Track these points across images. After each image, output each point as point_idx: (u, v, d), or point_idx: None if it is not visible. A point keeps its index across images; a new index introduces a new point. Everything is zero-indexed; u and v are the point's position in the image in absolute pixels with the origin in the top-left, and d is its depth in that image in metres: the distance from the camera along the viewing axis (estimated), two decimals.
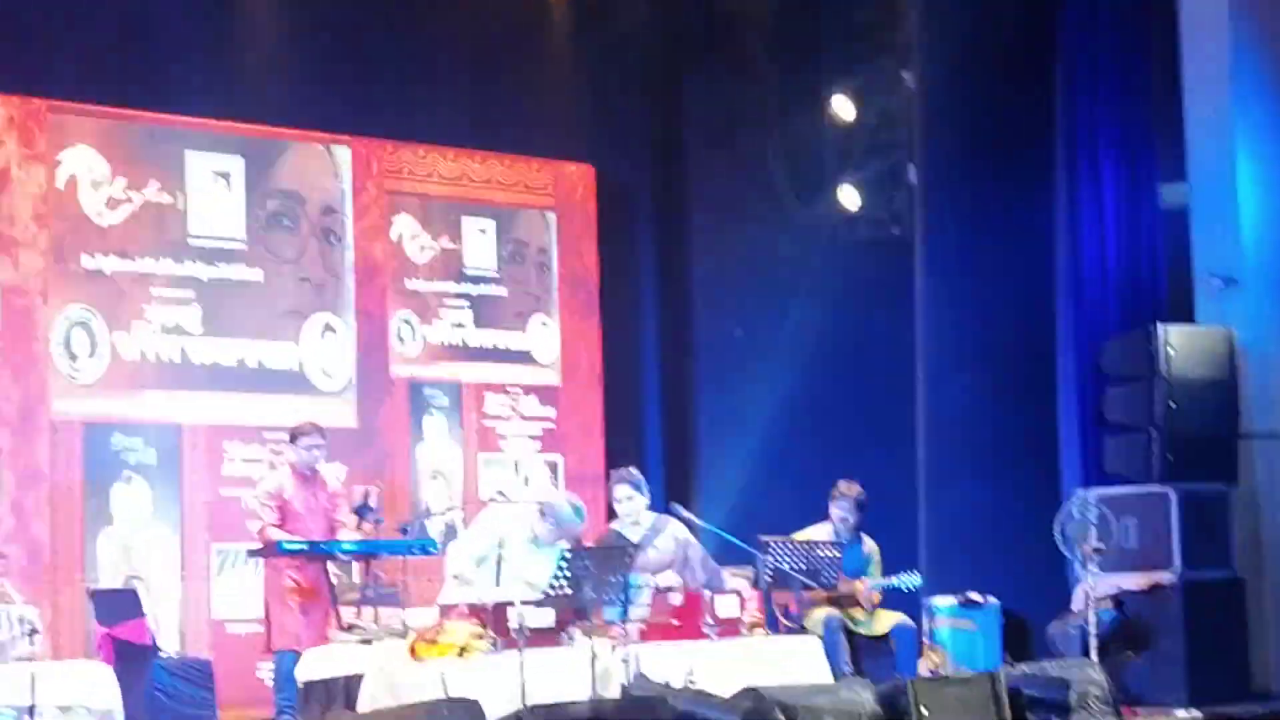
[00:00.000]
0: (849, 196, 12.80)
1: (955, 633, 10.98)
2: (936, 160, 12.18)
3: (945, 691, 8.33)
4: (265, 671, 10.78)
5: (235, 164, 11.66)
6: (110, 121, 11.21)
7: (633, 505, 9.55)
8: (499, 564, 8.73)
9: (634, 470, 9.79)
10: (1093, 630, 9.66)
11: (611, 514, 11.41)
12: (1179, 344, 10.73)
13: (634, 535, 9.47)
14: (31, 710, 8.02)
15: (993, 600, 11.01)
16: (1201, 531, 10.55)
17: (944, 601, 11.04)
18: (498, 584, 8.69)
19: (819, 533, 10.15)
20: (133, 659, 9.47)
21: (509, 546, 8.91)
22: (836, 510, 10.20)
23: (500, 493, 11.17)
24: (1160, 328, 10.76)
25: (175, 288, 11.35)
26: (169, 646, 10.48)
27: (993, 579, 11.12)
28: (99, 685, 8.45)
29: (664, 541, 9.59)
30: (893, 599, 10.32)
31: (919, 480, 11.90)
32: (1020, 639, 11.05)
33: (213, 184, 11.57)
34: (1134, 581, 10.56)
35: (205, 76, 11.34)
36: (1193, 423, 10.63)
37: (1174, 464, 10.56)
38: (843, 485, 10.23)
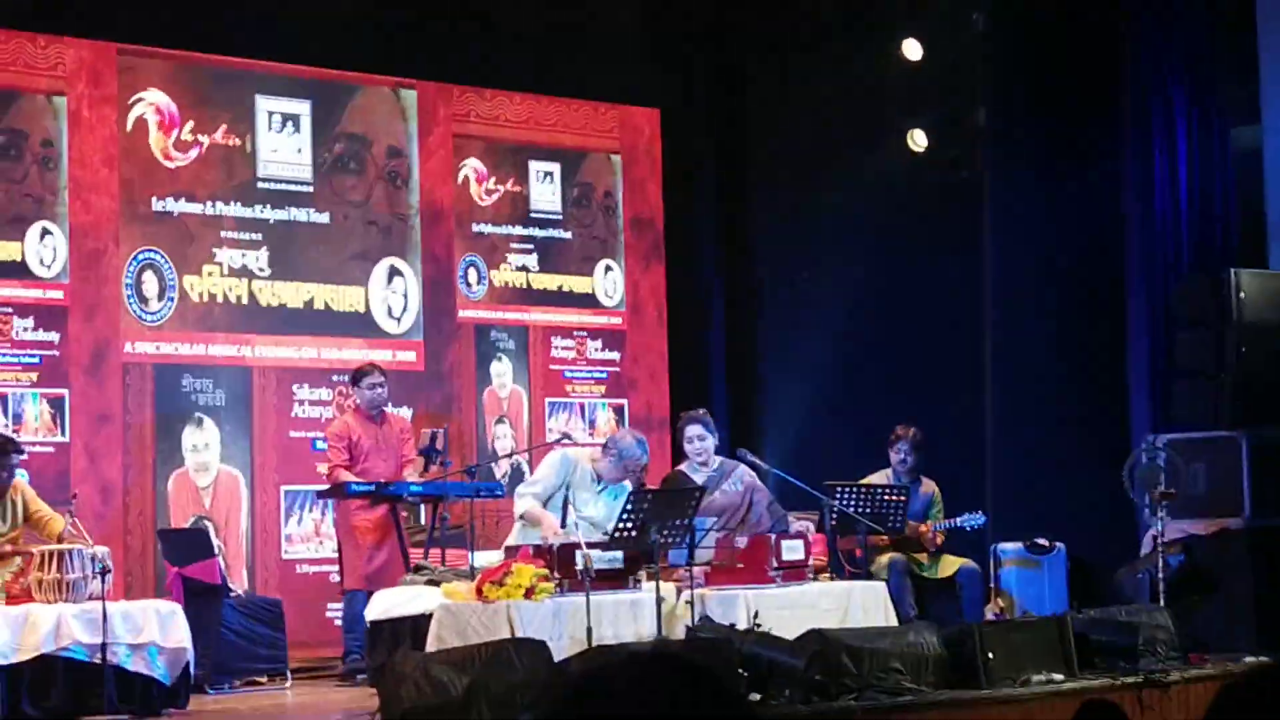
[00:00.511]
0: (916, 139, 12.69)
1: (1021, 577, 10.95)
2: (1005, 103, 12.07)
3: (1011, 636, 8.33)
4: (334, 612, 10.89)
5: (303, 107, 11.69)
6: (179, 64, 11.26)
7: (703, 445, 9.57)
8: (565, 506, 8.76)
9: (704, 412, 9.81)
10: (1160, 576, 9.62)
11: (676, 459, 11.45)
12: (1250, 288, 10.61)
13: (700, 477, 9.49)
14: (104, 648, 8.12)
15: (1059, 545, 10.97)
16: (1271, 477, 10.45)
17: (1011, 546, 11.01)
18: (563, 526, 8.72)
19: (878, 479, 10.16)
20: (203, 598, 9.58)
21: (574, 489, 8.95)
22: (895, 454, 10.22)
23: (565, 435, 11.20)
24: (1232, 272, 10.65)
25: (243, 230, 11.41)
26: (239, 587, 10.59)
27: (1060, 524, 11.08)
28: (170, 623, 8.54)
29: (731, 485, 9.61)
30: (958, 543, 10.31)
31: (986, 425, 11.84)
32: (1087, 584, 11.00)
33: (281, 127, 11.61)
34: (1202, 527, 10.48)
35: (274, 20, 11.35)
36: (1263, 368, 10.52)
37: (1244, 409, 10.47)
38: (899, 429, 10.25)
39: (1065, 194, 11.73)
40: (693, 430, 9.63)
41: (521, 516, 8.89)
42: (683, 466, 9.75)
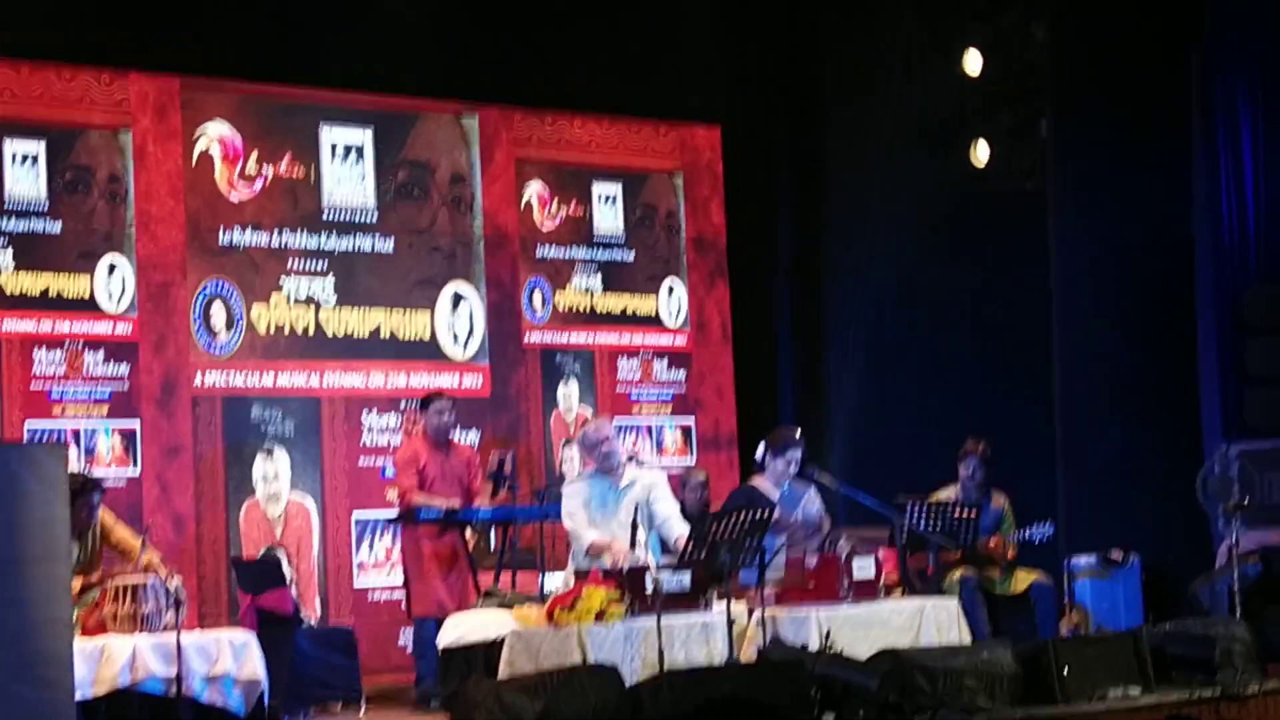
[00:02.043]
0: (981, 150, 12.65)
1: (1096, 590, 10.86)
2: (1069, 112, 12.01)
3: (1087, 651, 8.27)
4: (407, 639, 10.91)
5: (366, 136, 11.76)
6: (242, 96, 11.35)
7: (795, 469, 9.52)
8: (634, 528, 8.74)
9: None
10: (1237, 586, 9.52)
11: (743, 478, 11.44)
12: None
13: (774, 494, 9.44)
14: (178, 680, 8.16)
15: (1134, 557, 10.88)
16: None
17: (1084, 559, 10.92)
18: (632, 546, 8.70)
19: (947, 494, 10.10)
20: (276, 628, 9.60)
21: (598, 503, 8.89)
22: (964, 468, 10.15)
23: (633, 456, 11.18)
24: None
25: (309, 260, 11.47)
26: (311, 615, 10.63)
27: (1134, 535, 10.99)
28: (244, 654, 8.56)
29: (813, 505, 9.58)
30: (1030, 557, 10.23)
31: (1057, 436, 11.77)
32: (1163, 596, 10.91)
33: (344, 157, 11.68)
34: (1278, 536, 10.38)
35: (335, 50, 11.42)
36: None
37: None
38: (969, 443, 10.18)
39: (1131, 204, 11.66)
40: (797, 454, 9.51)
41: (588, 551, 8.81)
42: (757, 482, 9.65)
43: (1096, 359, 11.68)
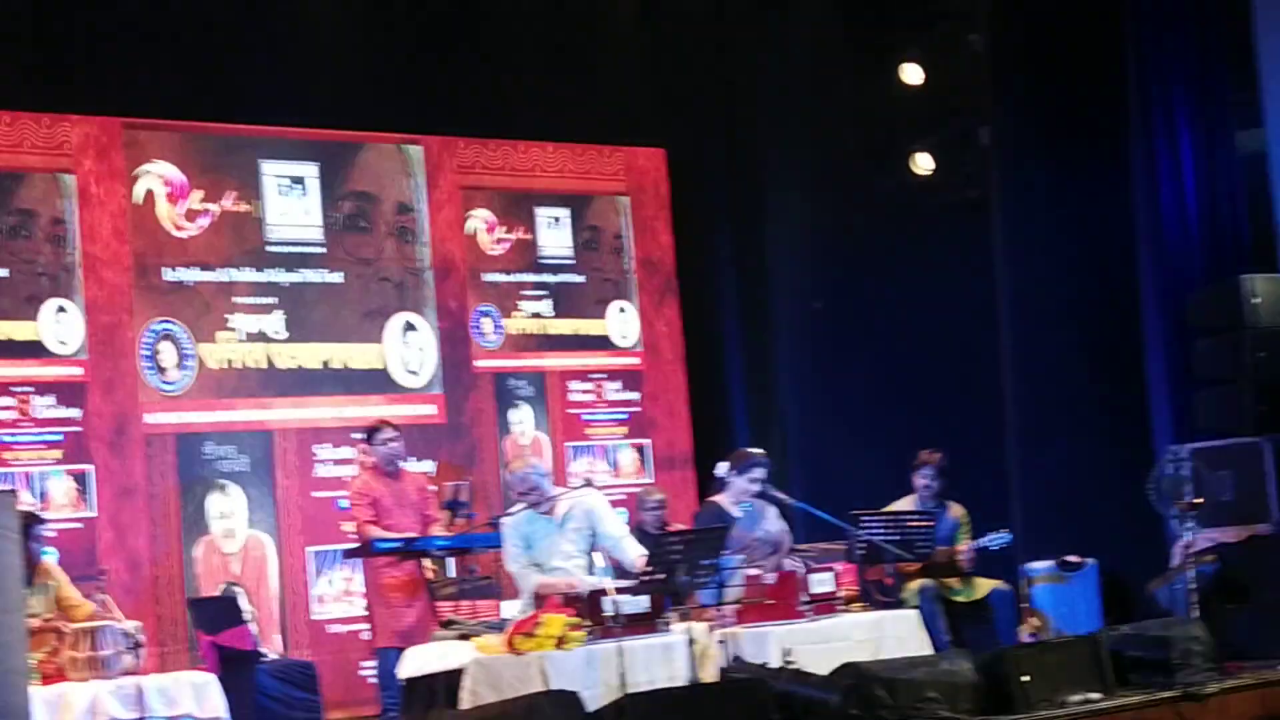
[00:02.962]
0: (922, 162, 12.72)
1: (1054, 595, 10.91)
2: (1008, 120, 12.10)
3: (1046, 657, 8.29)
4: (368, 670, 10.89)
5: (309, 169, 11.75)
6: (183, 135, 11.33)
7: (757, 487, 9.54)
8: (590, 552, 8.74)
9: None
10: (1193, 586, 9.58)
11: (705, 496, 11.44)
12: (1265, 293, 10.60)
13: (737, 512, 9.47)
14: None
15: (1090, 561, 10.94)
16: None
17: (1041, 565, 10.97)
18: (590, 572, 8.70)
19: (903, 505, 10.14)
20: (237, 665, 9.58)
21: (537, 538, 8.88)
22: (919, 479, 10.20)
23: (588, 481, 11.17)
24: (1245, 278, 10.63)
25: (257, 295, 11.46)
26: (272, 651, 10.59)
27: (1089, 540, 11.05)
28: (205, 694, 8.53)
29: (774, 523, 9.61)
30: (987, 564, 10.28)
31: (1009, 444, 11.83)
32: (1121, 599, 10.97)
33: (288, 190, 11.66)
34: (1232, 535, 10.45)
35: (274, 85, 11.41)
36: None
37: (1265, 415, 10.44)
38: (923, 454, 10.22)
39: (1074, 208, 11.73)
40: (761, 472, 9.55)
41: (536, 593, 8.80)
42: (719, 499, 9.66)
43: (1045, 366, 11.74)
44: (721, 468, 9.72)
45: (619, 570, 9.01)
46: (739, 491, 9.53)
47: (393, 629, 10.08)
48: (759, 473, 9.52)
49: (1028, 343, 11.83)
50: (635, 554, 8.71)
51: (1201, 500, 9.98)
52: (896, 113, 12.65)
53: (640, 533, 9.82)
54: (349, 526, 10.73)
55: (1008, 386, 11.88)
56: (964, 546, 10.06)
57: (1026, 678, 8.03)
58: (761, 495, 9.63)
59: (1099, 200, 11.76)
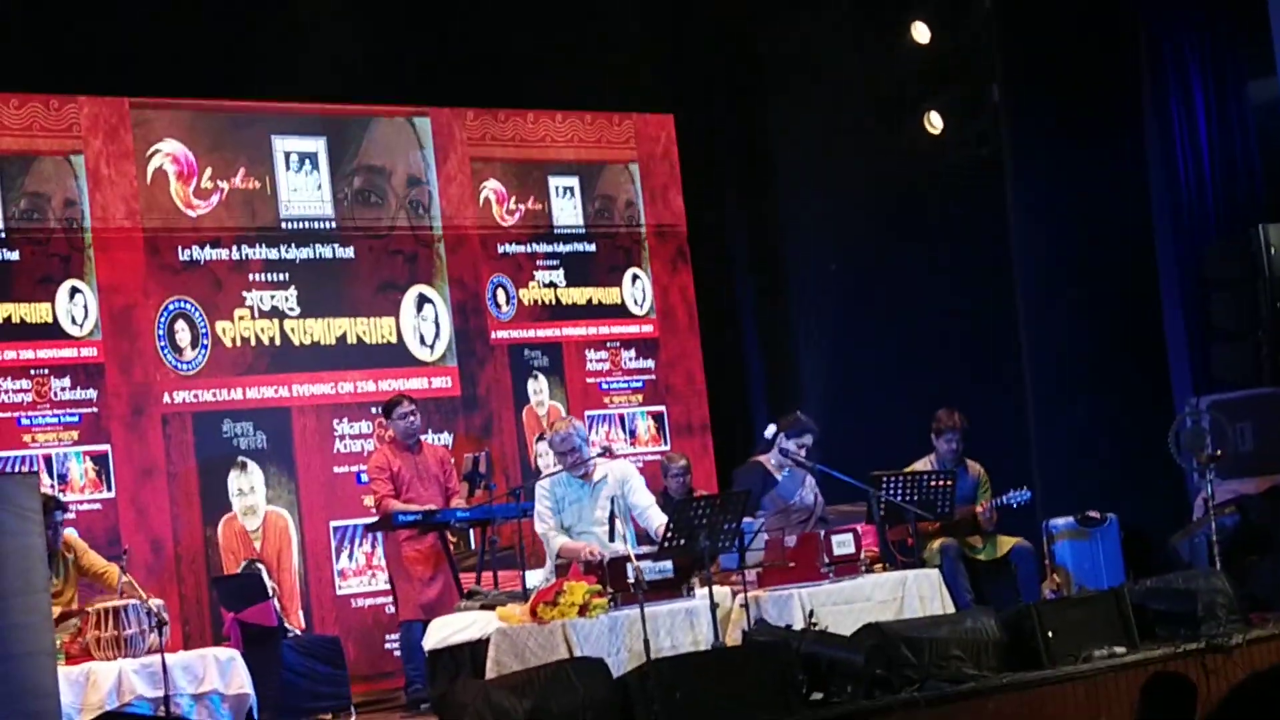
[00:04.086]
0: (933, 121, 12.67)
1: (1076, 551, 10.90)
2: (1018, 77, 12.03)
3: (1070, 613, 8.31)
4: (392, 643, 10.91)
5: (319, 144, 11.73)
6: (192, 113, 11.31)
7: (804, 453, 9.60)
8: (611, 520, 8.75)
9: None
10: (1215, 538, 9.57)
11: (724, 461, 11.48)
12: None
13: (776, 475, 9.52)
14: (166, 700, 8.15)
15: (1111, 516, 10.92)
16: None
17: (1062, 521, 10.96)
18: (612, 539, 8.71)
19: (923, 466, 10.13)
20: (261, 642, 9.60)
21: (567, 502, 8.90)
22: (938, 441, 10.18)
23: (606, 449, 11.18)
24: (1260, 228, 10.59)
25: (270, 272, 11.44)
26: (296, 626, 10.61)
27: (1110, 495, 11.03)
28: (231, 671, 8.57)
29: (809, 492, 9.64)
30: (1008, 522, 10.27)
31: (1027, 402, 11.80)
32: (1143, 553, 10.96)
33: (299, 166, 11.65)
34: (1253, 486, 10.44)
35: (281, 61, 11.38)
36: None
37: None
38: (942, 415, 10.20)
39: (1088, 164, 11.68)
40: (810, 439, 9.60)
41: (559, 555, 8.85)
42: (763, 459, 9.68)
43: (1062, 322, 11.71)
44: (770, 429, 9.76)
45: (644, 538, 9.02)
46: (786, 455, 9.57)
47: (415, 601, 10.11)
48: (808, 439, 9.60)
49: (1044, 299, 11.80)
50: (659, 522, 8.72)
51: (1221, 452, 9.97)
52: (906, 72, 12.59)
53: (665, 499, 9.82)
54: (370, 501, 10.75)
55: (1025, 344, 11.85)
56: (984, 505, 10.06)
57: (1050, 634, 8.05)
58: (796, 464, 9.65)
59: (1112, 155, 11.71)
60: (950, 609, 8.73)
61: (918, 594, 8.72)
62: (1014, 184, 12.01)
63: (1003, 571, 10.13)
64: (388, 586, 10.64)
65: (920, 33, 12.51)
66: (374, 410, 11.51)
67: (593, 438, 12.30)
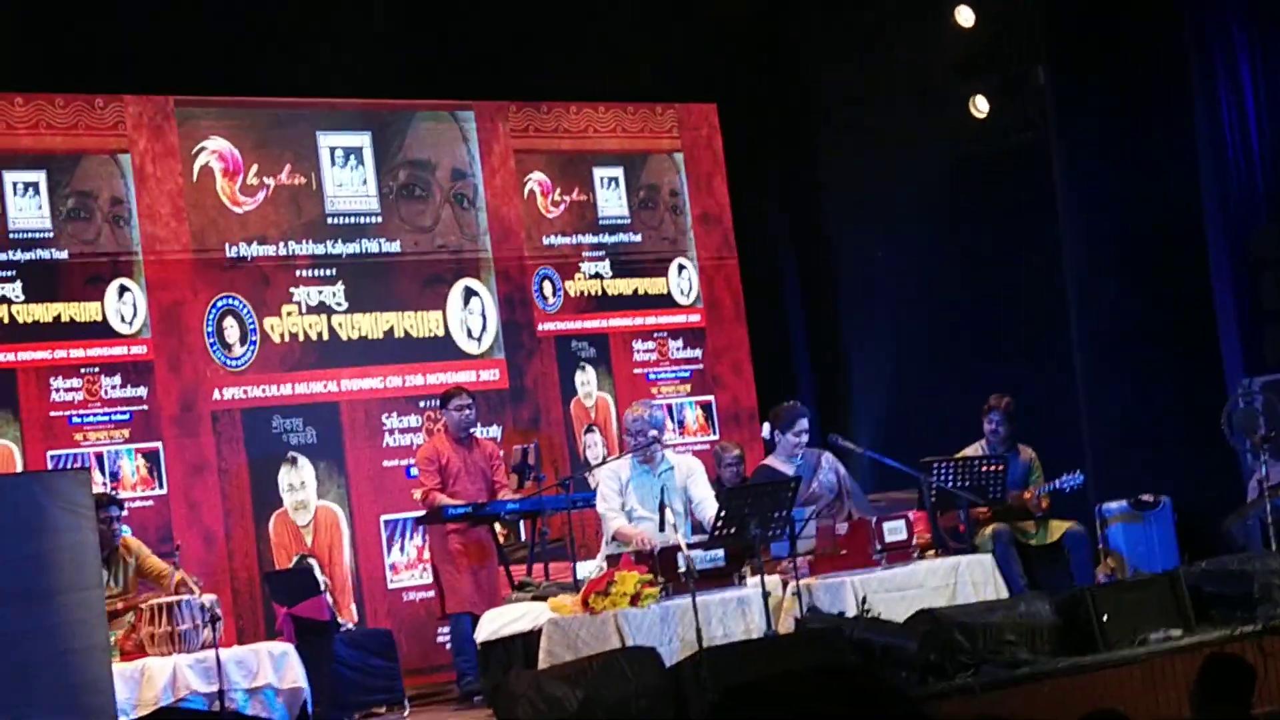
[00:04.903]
0: (978, 105, 12.60)
1: (1129, 534, 10.84)
2: (1064, 59, 11.95)
3: (1125, 596, 8.27)
4: (445, 636, 10.92)
5: (364, 139, 11.74)
6: (237, 110, 11.34)
7: (806, 437, 9.58)
8: (661, 509, 8.75)
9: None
10: (1270, 520, 9.49)
11: (769, 451, 11.41)
12: None
13: (789, 469, 9.45)
14: (221, 695, 8.18)
15: (1164, 499, 10.85)
16: None
17: (1115, 505, 10.89)
18: (661, 529, 8.71)
19: (973, 451, 10.08)
20: (314, 636, 9.63)
21: (635, 487, 8.92)
22: (988, 425, 10.14)
23: (655, 438, 11.16)
24: None
25: (317, 268, 11.47)
26: (348, 620, 10.64)
27: (1163, 478, 10.96)
28: (285, 665, 8.60)
29: (826, 475, 9.58)
30: (1062, 506, 10.22)
31: (1078, 385, 11.73)
32: (1197, 536, 10.88)
33: (344, 161, 11.67)
34: None
35: (325, 57, 11.40)
36: None
37: None
38: (992, 399, 10.16)
39: (1135, 146, 11.60)
40: (804, 423, 9.60)
41: (614, 537, 8.88)
42: (771, 461, 9.69)
43: (1112, 305, 11.63)
44: (765, 429, 9.76)
45: (699, 529, 9.02)
46: (789, 448, 9.57)
47: (464, 594, 10.12)
48: (802, 424, 9.58)
49: (1093, 282, 11.72)
50: (712, 513, 8.73)
51: (1275, 433, 9.88)
52: (951, 56, 12.52)
53: (719, 488, 9.81)
54: (418, 494, 10.76)
55: (1075, 327, 11.77)
56: (1035, 490, 10.00)
57: (1105, 617, 8.00)
58: (826, 445, 9.62)
59: (1159, 136, 11.62)
60: (1004, 595, 8.69)
61: (970, 580, 8.69)
62: (1061, 166, 11.93)
63: (1056, 556, 10.08)
64: (435, 580, 10.64)
65: (964, 16, 12.43)
66: (422, 404, 11.54)
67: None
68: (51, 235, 10.66)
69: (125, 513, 9.82)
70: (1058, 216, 11.93)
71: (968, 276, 12.42)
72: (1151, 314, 11.52)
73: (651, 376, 12.68)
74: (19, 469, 10.18)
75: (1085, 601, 8.07)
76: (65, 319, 10.64)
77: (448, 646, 10.75)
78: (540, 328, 12.27)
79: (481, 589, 10.10)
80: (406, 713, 9.92)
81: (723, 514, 8.27)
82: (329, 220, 11.55)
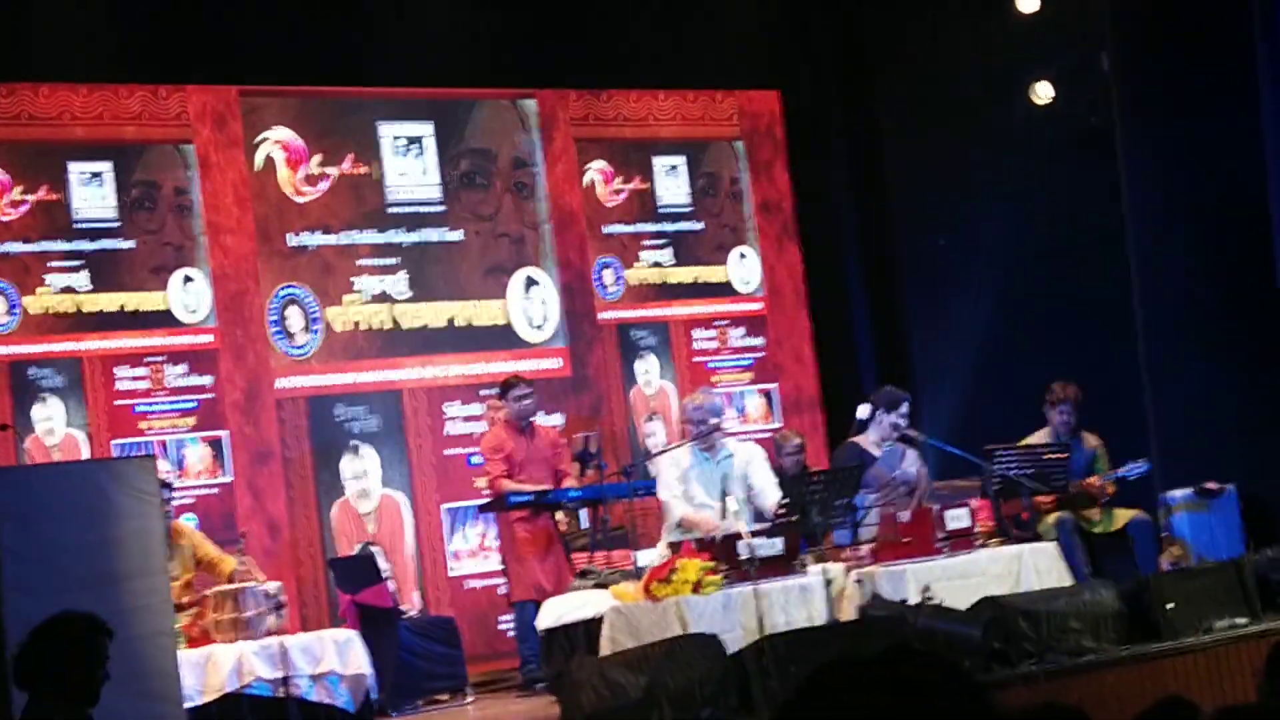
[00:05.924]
0: (1042, 92, 12.52)
1: (1193, 522, 10.75)
2: (1128, 44, 11.86)
3: (1189, 584, 8.20)
4: (507, 624, 10.96)
5: (425, 128, 11.78)
6: (299, 100, 11.40)
7: (906, 423, 9.54)
8: (723, 498, 8.74)
9: None
10: None
11: (834, 438, 11.40)
12: None
13: (878, 452, 9.46)
14: (285, 681, 8.24)
15: (1229, 487, 10.75)
16: None
17: (1180, 493, 10.81)
18: (723, 516, 8.70)
19: (1038, 439, 10.01)
20: (378, 623, 9.67)
21: (696, 476, 8.92)
22: (1053, 413, 10.06)
23: (717, 426, 11.14)
24: None
25: (379, 256, 11.52)
26: (411, 608, 10.69)
27: (1228, 465, 10.86)
28: (349, 651, 8.64)
29: (913, 464, 9.57)
30: (1126, 494, 10.15)
31: (1143, 372, 11.65)
32: (1262, 523, 10.77)
33: (406, 150, 11.71)
34: None
35: (387, 46, 11.44)
36: None
37: None
38: (1057, 387, 10.08)
39: (1199, 131, 11.49)
40: (907, 407, 9.55)
41: (679, 524, 8.88)
42: (860, 440, 9.61)
43: (1176, 292, 11.53)
44: (864, 409, 9.69)
45: (760, 517, 9.01)
46: (887, 430, 9.50)
47: (528, 582, 10.14)
48: (906, 407, 9.52)
49: (1157, 269, 11.62)
50: (774, 501, 8.71)
51: None
52: (1014, 43, 12.44)
53: (780, 476, 9.80)
54: (481, 482, 10.79)
55: (1139, 314, 11.68)
56: (1100, 478, 9.93)
57: (1170, 605, 7.94)
58: (901, 437, 9.58)
59: (1224, 121, 11.50)
60: (1068, 583, 8.63)
61: (1034, 568, 8.63)
62: (1125, 152, 11.83)
63: (1120, 545, 10.00)
64: (500, 567, 10.68)
65: (1027, 3, 12.35)
66: (483, 393, 11.56)
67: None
68: (117, 225, 10.75)
69: (173, 495, 9.88)
70: (1122, 202, 11.84)
71: (1032, 262, 12.34)
72: (1216, 300, 11.42)
73: (712, 365, 12.67)
74: (85, 458, 10.27)
75: (1150, 589, 8.02)
76: (130, 308, 10.73)
77: (510, 634, 10.78)
78: (601, 316, 12.27)
79: (545, 577, 10.12)
80: (470, 700, 9.96)
81: (785, 501, 8.25)
82: (390, 209, 11.59)
